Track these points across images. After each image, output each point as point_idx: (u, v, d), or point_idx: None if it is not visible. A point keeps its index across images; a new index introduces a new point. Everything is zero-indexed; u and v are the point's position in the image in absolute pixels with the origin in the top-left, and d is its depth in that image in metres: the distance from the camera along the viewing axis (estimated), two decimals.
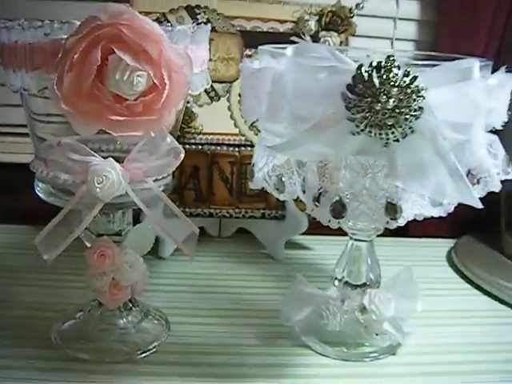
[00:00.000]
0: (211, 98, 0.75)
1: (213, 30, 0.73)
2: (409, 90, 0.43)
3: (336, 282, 0.60)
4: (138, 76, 0.42)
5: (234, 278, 0.73)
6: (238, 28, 0.74)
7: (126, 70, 0.42)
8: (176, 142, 0.49)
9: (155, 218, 0.52)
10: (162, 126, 0.45)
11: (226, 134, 0.75)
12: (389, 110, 0.43)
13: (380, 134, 0.44)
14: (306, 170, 0.51)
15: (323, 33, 0.74)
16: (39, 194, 0.52)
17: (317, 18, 0.74)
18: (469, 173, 0.53)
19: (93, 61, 0.41)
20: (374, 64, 0.43)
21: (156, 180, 0.52)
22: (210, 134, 0.75)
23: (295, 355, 0.58)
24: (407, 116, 0.44)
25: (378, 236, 0.58)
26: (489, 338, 0.63)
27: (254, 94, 0.52)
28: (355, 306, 0.57)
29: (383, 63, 0.43)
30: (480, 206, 0.45)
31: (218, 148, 0.75)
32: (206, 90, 0.74)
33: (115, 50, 0.41)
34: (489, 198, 0.57)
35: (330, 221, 0.49)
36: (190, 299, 0.67)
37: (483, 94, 0.47)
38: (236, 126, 0.75)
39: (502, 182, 0.56)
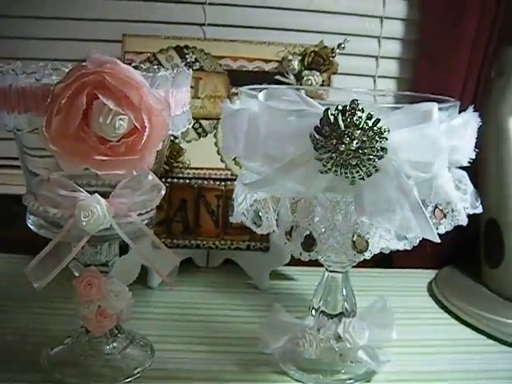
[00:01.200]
0: (199, 134, 0.78)
1: (200, 69, 0.78)
2: (371, 133, 0.47)
3: (313, 312, 0.62)
4: (119, 119, 0.45)
5: (219, 307, 0.76)
6: (225, 67, 0.78)
7: (109, 114, 0.45)
8: (157, 179, 0.53)
9: (138, 249, 0.55)
10: (144, 166, 0.48)
11: (213, 169, 0.78)
12: (352, 150, 0.46)
13: (346, 173, 0.47)
14: (280, 205, 0.54)
15: (306, 72, 0.78)
16: (31, 227, 0.56)
17: (300, 57, 0.78)
18: (436, 207, 0.56)
19: (79, 105, 0.45)
20: (340, 108, 0.47)
21: (140, 214, 0.55)
22: (197, 168, 0.78)
23: (274, 381, 0.60)
24: (370, 156, 0.47)
25: (361, 266, 0.61)
26: (466, 366, 0.65)
27: (233, 134, 0.56)
28: (330, 335, 0.60)
29: (348, 107, 0.47)
30: (438, 240, 0.48)
31: (205, 182, 0.78)
32: (193, 127, 0.78)
33: (99, 96, 0.45)
34: (470, 231, 0.61)
35: (301, 253, 0.52)
36: (175, 327, 0.70)
37: (445, 134, 0.51)
38: (222, 160, 0.79)
39: (479, 215, 0.59)
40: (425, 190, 0.55)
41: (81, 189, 0.51)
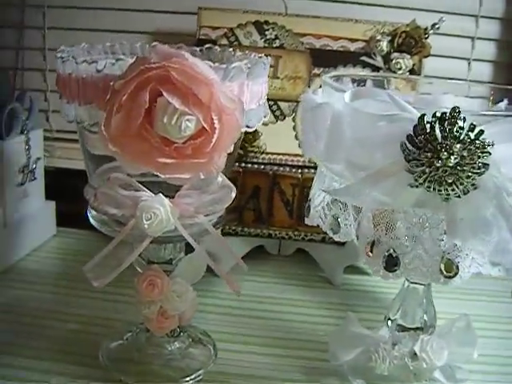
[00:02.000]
0: (276, 117, 0.73)
1: (281, 46, 0.72)
2: (473, 147, 0.40)
3: (389, 323, 0.57)
4: (186, 120, 0.41)
5: (288, 303, 0.71)
6: (307, 46, 0.72)
7: (175, 114, 0.41)
8: (227, 181, 0.48)
9: (202, 251, 0.51)
10: (212, 169, 0.44)
11: (289, 155, 0.73)
12: (450, 167, 0.40)
13: (439, 190, 0.42)
14: (361, 215, 0.49)
15: (395, 54, 0.70)
16: (92, 222, 0.53)
17: (389, 38, 0.71)
18: None
19: (141, 103, 0.41)
20: (438, 115, 0.41)
21: (207, 215, 0.51)
22: (272, 153, 0.73)
23: None
24: (470, 173, 0.41)
25: None
26: None
27: (313, 130, 0.51)
28: (406, 352, 0.55)
29: (448, 114, 0.41)
30: None
31: (281, 169, 0.73)
32: (271, 109, 0.72)
33: (164, 93, 0.40)
34: None
35: (382, 273, 0.47)
36: (241, 324, 0.66)
37: None
38: (300, 146, 0.73)
39: None
40: None
41: (144, 188, 0.48)
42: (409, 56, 0.70)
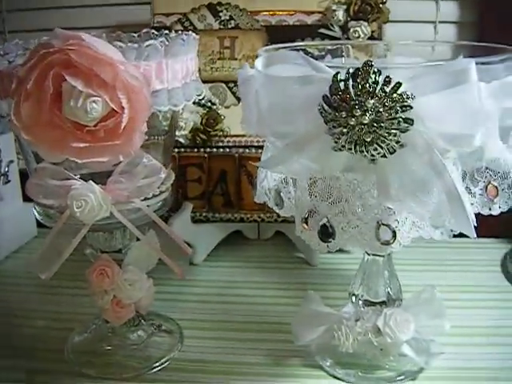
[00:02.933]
0: (238, 99, 0.72)
1: (236, 27, 0.70)
2: (389, 101, 0.38)
3: (353, 298, 0.55)
4: (92, 102, 0.40)
5: (264, 287, 0.70)
6: (263, 23, 0.70)
7: (80, 97, 0.40)
8: (154, 160, 0.47)
9: (144, 237, 0.50)
10: (130, 150, 0.43)
11: (254, 136, 0.72)
12: (365, 124, 0.38)
13: (361, 151, 0.40)
14: (297, 186, 0.47)
15: (352, 22, 0.68)
16: (36, 216, 0.52)
17: (345, 7, 0.68)
18: (488, 183, 0.47)
19: (46, 89, 0.40)
20: (351, 71, 0.39)
21: (146, 199, 0.50)
22: (237, 136, 0.72)
23: (308, 377, 0.54)
24: (390, 131, 0.39)
25: None
26: None
27: (247, 104, 0.49)
28: (369, 328, 0.53)
29: (360, 70, 0.39)
30: (474, 235, 0.39)
31: (246, 150, 0.72)
32: (231, 91, 0.71)
33: (66, 77, 0.40)
34: None
35: (319, 244, 0.45)
36: (212, 310, 0.65)
37: (493, 96, 0.41)
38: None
39: None
40: (473, 163, 0.47)
41: (73, 176, 0.47)
42: (366, 23, 0.68)
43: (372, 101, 0.38)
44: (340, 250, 0.75)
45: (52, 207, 0.48)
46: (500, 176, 0.47)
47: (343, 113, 0.39)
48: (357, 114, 0.38)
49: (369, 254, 0.54)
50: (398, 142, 0.39)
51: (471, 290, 0.68)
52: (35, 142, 0.42)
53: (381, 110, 0.38)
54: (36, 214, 0.52)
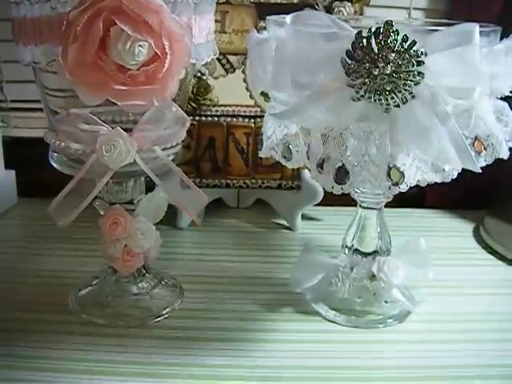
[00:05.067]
0: (226, 70, 0.75)
1: (227, 2, 0.74)
2: (407, 55, 0.43)
3: (346, 250, 0.60)
4: (139, 46, 0.43)
5: (248, 248, 0.74)
6: (252, 0, 0.74)
7: (128, 41, 0.43)
8: (182, 112, 0.51)
9: (164, 186, 0.53)
10: (165, 95, 0.46)
11: (242, 106, 0.76)
12: (387, 75, 0.44)
13: (380, 99, 0.45)
14: (310, 136, 0.52)
15: (337, 3, 0.73)
16: (54, 165, 0.54)
17: None
18: (475, 139, 0.53)
19: (95, 32, 0.43)
20: (373, 30, 0.44)
21: (165, 149, 0.53)
22: (225, 105, 0.76)
23: (305, 321, 0.59)
24: (406, 81, 0.44)
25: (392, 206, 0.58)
26: (506, 307, 0.62)
27: (261, 64, 0.53)
28: (364, 274, 0.58)
29: (382, 28, 0.44)
30: (479, 170, 0.45)
31: (234, 119, 0.76)
32: (221, 63, 0.75)
33: (116, 22, 0.42)
34: None
35: (333, 187, 0.50)
36: (204, 268, 0.68)
37: (486, 60, 0.47)
38: (251, 97, 0.75)
39: None
40: (464, 121, 0.52)
41: (103, 123, 0.49)
42: (350, 4, 0.73)
43: (393, 54, 0.43)
44: (319, 219, 0.82)
45: (78, 152, 0.50)
46: (485, 134, 0.53)
47: (367, 64, 0.44)
48: (380, 65, 0.43)
49: (363, 208, 0.59)
50: (410, 93, 0.44)
51: (444, 251, 0.74)
52: (78, 83, 0.44)
53: (400, 62, 0.44)
54: (53, 162, 0.54)
